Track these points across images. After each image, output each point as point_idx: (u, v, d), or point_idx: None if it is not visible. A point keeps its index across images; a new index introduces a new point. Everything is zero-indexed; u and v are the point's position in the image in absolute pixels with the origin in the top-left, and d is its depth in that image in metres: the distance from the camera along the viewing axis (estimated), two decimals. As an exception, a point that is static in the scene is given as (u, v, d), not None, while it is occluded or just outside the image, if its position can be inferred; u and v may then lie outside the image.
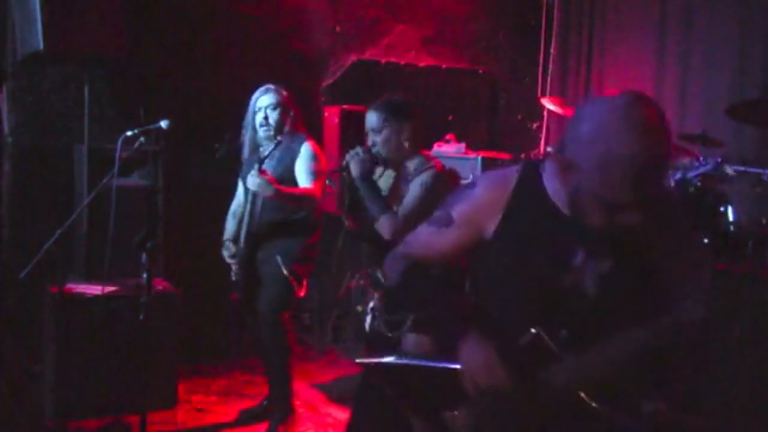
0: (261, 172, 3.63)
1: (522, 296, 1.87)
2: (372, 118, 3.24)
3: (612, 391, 1.76)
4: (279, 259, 3.85)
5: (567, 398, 1.75)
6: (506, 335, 1.82)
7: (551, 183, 1.85)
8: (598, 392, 1.74)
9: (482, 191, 1.96)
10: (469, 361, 1.82)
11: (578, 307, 1.79)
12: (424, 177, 3.13)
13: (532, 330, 1.77)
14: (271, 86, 3.94)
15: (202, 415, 4.21)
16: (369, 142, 3.25)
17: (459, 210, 1.97)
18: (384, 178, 3.34)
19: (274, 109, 3.88)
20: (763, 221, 3.84)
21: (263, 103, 3.90)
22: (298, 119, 3.97)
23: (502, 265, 1.91)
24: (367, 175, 3.19)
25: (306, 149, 3.87)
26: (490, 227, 1.90)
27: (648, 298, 1.81)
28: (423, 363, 1.97)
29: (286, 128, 3.90)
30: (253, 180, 3.63)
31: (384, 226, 3.08)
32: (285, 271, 3.84)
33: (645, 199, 1.65)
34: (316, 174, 3.84)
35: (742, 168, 4.03)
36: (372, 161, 3.22)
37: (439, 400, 1.94)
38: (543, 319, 1.78)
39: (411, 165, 3.21)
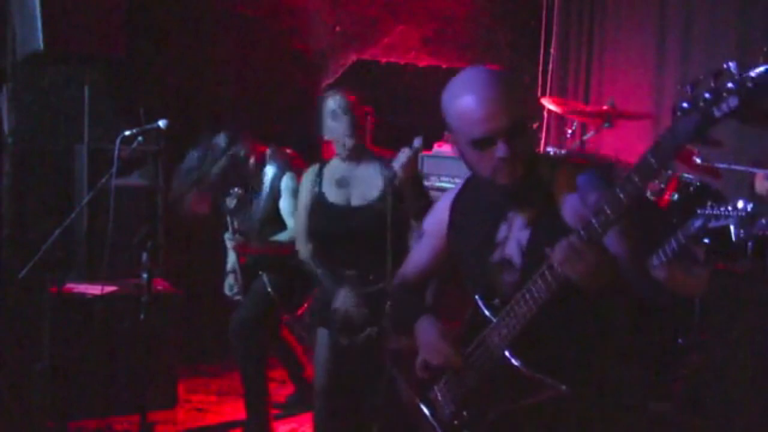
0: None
1: (466, 276, 2.11)
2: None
3: (540, 352, 1.88)
4: (265, 276, 3.77)
5: (495, 359, 1.92)
6: (459, 312, 2.08)
7: None
8: (523, 352, 1.88)
9: (442, 200, 2.23)
10: (421, 342, 2.09)
11: (509, 278, 1.97)
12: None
13: (475, 298, 2.01)
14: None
15: (202, 415, 4.21)
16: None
17: (427, 221, 2.27)
18: (359, 174, 3.31)
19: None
20: (763, 221, 3.83)
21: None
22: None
23: (454, 253, 2.16)
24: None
25: (286, 183, 3.79)
26: (445, 227, 2.17)
27: None
28: None
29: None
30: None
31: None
32: (269, 289, 3.75)
33: (507, 132, 1.84)
34: None
35: (741, 167, 4.02)
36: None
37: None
38: (481, 292, 2.00)
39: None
